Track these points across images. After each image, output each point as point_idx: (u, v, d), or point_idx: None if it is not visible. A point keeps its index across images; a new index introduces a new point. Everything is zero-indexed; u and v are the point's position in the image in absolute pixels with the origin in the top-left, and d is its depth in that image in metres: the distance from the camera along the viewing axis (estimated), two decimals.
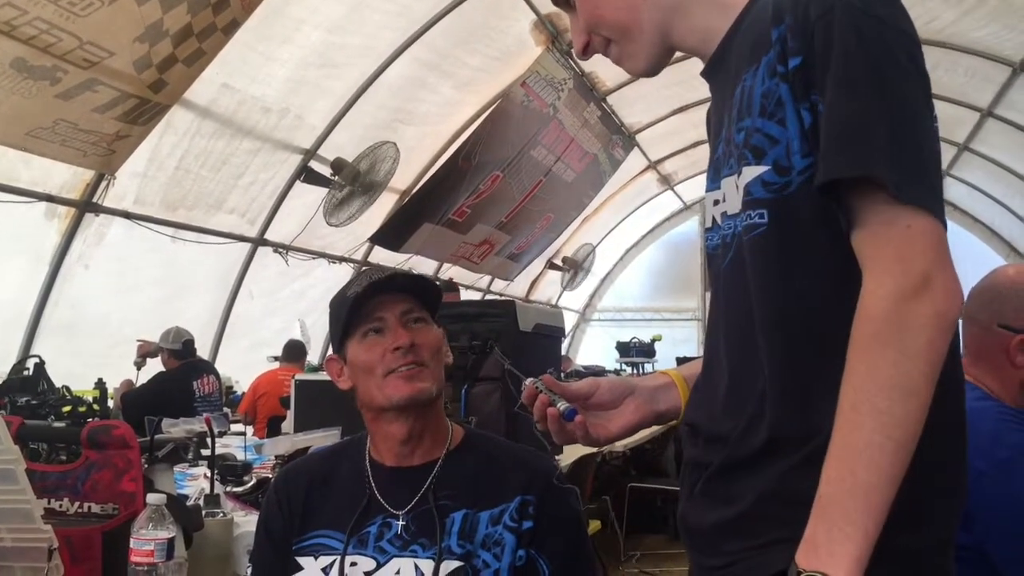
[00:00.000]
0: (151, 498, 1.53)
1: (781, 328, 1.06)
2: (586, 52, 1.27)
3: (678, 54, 1.26)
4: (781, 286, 1.06)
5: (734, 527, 1.08)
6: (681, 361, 2.98)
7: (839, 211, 0.99)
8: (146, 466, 2.01)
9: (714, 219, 1.19)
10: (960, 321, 1.03)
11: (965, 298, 1.11)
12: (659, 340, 10.77)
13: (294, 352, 6.49)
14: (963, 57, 7.68)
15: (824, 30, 0.99)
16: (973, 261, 3.07)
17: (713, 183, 1.18)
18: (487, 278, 10.50)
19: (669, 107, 9.32)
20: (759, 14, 1.09)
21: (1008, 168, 9.93)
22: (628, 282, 14.27)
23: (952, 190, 10.62)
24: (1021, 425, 1.71)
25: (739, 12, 1.15)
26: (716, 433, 1.14)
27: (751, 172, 1.06)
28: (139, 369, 5.55)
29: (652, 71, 1.25)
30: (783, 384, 1.05)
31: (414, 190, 7.75)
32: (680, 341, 12.04)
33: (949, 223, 1.00)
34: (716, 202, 1.18)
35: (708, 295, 1.33)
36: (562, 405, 1.23)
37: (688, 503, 1.19)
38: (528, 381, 1.27)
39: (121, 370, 5.43)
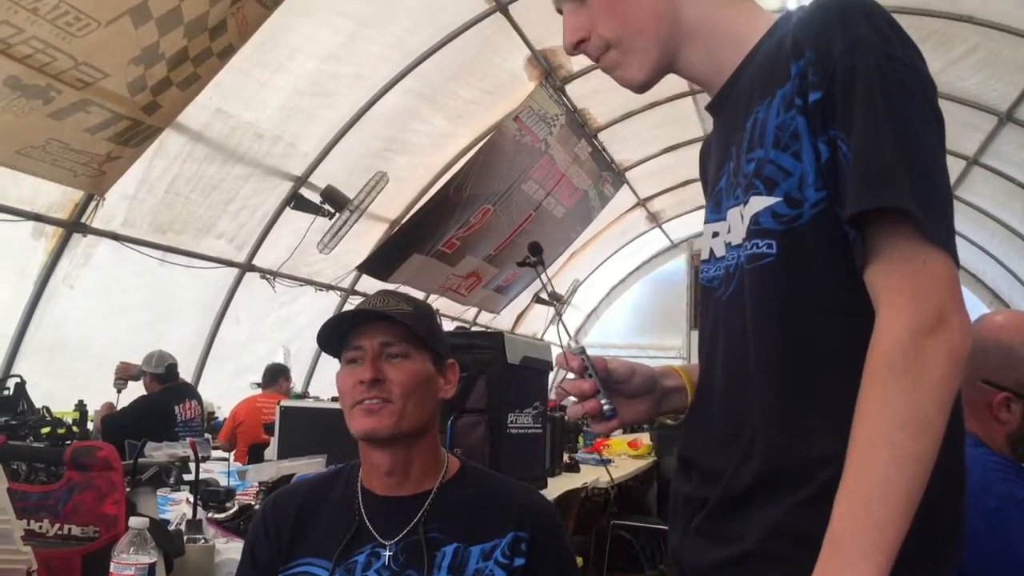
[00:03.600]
0: (133, 521, 1.50)
1: (781, 359, 1.05)
2: (576, 49, 1.22)
3: (670, 93, 1.25)
4: (784, 317, 1.05)
5: (737, 566, 1.06)
6: None
7: (857, 245, 0.99)
8: (128, 489, 1.98)
9: (712, 251, 1.18)
10: None
11: None
12: None
13: (273, 377, 6.40)
14: (950, 105, 7.78)
15: (846, 68, 1.00)
16: None
17: (715, 214, 1.18)
18: (473, 311, 10.48)
19: (660, 146, 9.40)
20: (773, 48, 1.10)
21: (993, 216, 10.02)
22: (613, 319, 14.30)
23: None
24: (1009, 474, 1.68)
25: (751, 47, 1.15)
26: (710, 468, 1.13)
27: (761, 202, 1.06)
28: (119, 392, 5.49)
29: (647, 86, 1.22)
30: (780, 417, 1.04)
31: (404, 220, 7.76)
32: None
33: None
34: (716, 234, 1.17)
35: (695, 332, 1.30)
36: (607, 405, 1.19)
37: (683, 541, 1.17)
38: (573, 349, 1.21)
39: (104, 392, 5.37)
